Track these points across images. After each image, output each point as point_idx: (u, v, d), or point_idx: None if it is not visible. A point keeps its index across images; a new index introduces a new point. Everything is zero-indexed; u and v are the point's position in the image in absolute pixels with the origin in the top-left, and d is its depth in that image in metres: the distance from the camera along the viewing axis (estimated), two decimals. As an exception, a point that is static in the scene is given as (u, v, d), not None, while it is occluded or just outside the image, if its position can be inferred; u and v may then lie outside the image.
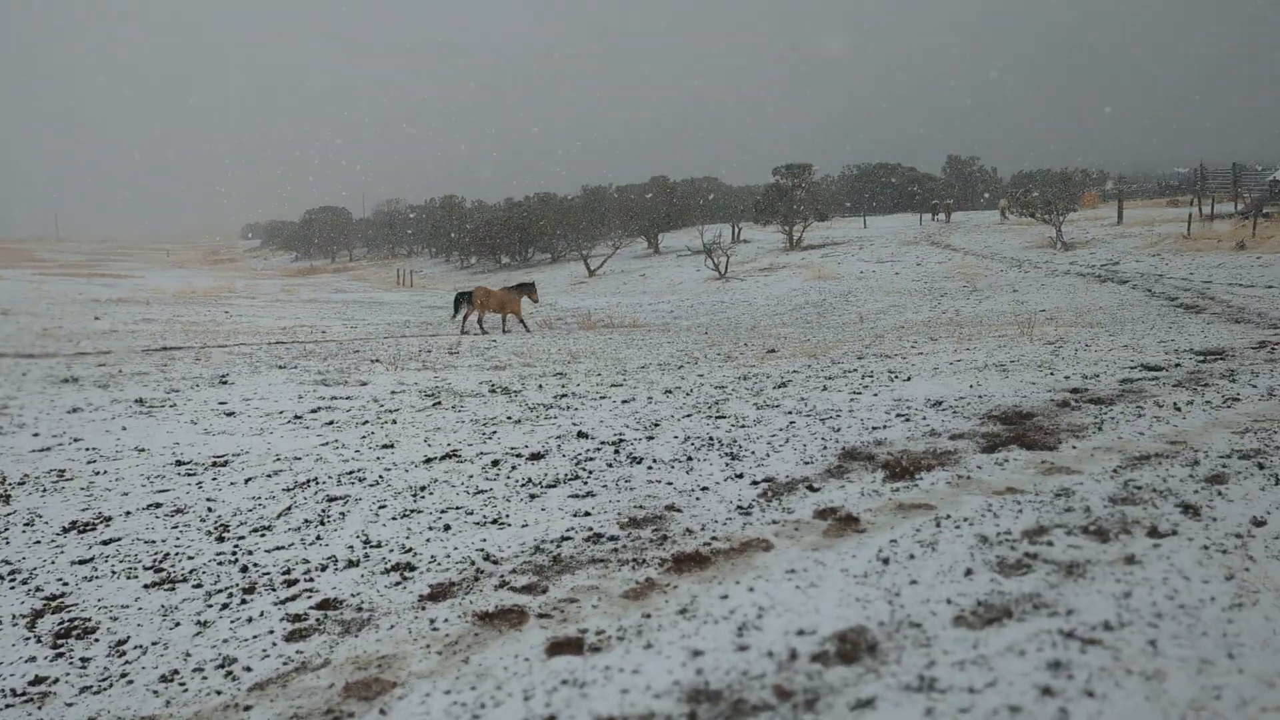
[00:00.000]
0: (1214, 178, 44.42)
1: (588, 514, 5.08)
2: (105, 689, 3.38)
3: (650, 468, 6.03)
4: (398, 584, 4.19)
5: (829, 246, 40.71)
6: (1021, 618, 3.38)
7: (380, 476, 6.11)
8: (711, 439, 6.76)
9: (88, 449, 7.14)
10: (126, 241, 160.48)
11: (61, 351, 13.65)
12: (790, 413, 7.61)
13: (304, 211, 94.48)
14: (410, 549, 4.65)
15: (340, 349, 15.04)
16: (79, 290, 32.92)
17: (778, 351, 13.10)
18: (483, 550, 4.56)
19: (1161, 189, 60.35)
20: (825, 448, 6.26)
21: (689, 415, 7.80)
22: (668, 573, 4.12)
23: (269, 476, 6.23)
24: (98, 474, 6.40)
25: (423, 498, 5.57)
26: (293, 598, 4.11)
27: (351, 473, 6.23)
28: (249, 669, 3.45)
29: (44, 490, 6.03)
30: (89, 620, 3.99)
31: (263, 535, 4.99)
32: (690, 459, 6.20)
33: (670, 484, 5.60)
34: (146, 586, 4.34)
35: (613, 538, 4.65)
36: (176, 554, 4.75)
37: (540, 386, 10.06)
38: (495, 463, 6.36)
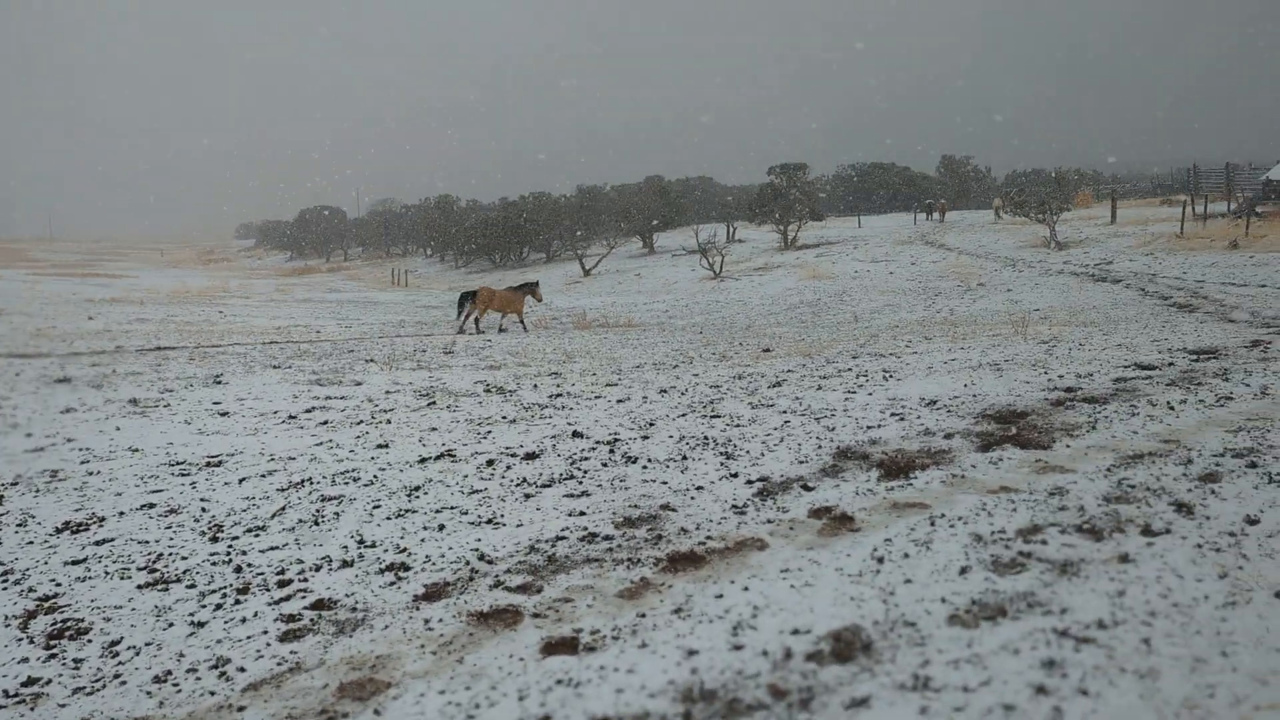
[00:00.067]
0: (1207, 177, 44.55)
1: (583, 513, 5.07)
2: (98, 690, 3.37)
3: (645, 467, 6.02)
4: (392, 584, 4.19)
5: (824, 246, 40.75)
6: (1016, 616, 3.39)
7: (375, 476, 6.10)
8: (706, 438, 6.76)
9: (81, 449, 7.12)
10: (121, 242, 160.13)
11: (55, 351, 13.61)
12: (785, 412, 7.61)
13: (299, 211, 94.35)
14: (405, 549, 4.64)
15: (335, 349, 15.01)
16: (73, 290, 32.83)
17: (772, 351, 13.11)
18: (477, 550, 4.55)
19: (1155, 188, 60.49)
20: (820, 447, 6.26)
21: (684, 415, 7.80)
22: (663, 572, 4.12)
23: (263, 476, 6.21)
24: (91, 474, 6.38)
25: (417, 497, 5.56)
26: (287, 598, 4.10)
27: (346, 473, 6.22)
28: (243, 669, 3.44)
29: (37, 491, 6.01)
30: (82, 621, 3.98)
31: (257, 535, 4.98)
32: (685, 458, 6.20)
33: (665, 483, 5.60)
34: (140, 587, 4.32)
35: (608, 537, 4.64)
36: (170, 554, 4.74)
37: (535, 386, 10.05)
38: (490, 462, 6.35)
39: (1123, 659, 3.02)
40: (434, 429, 7.66)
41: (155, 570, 4.52)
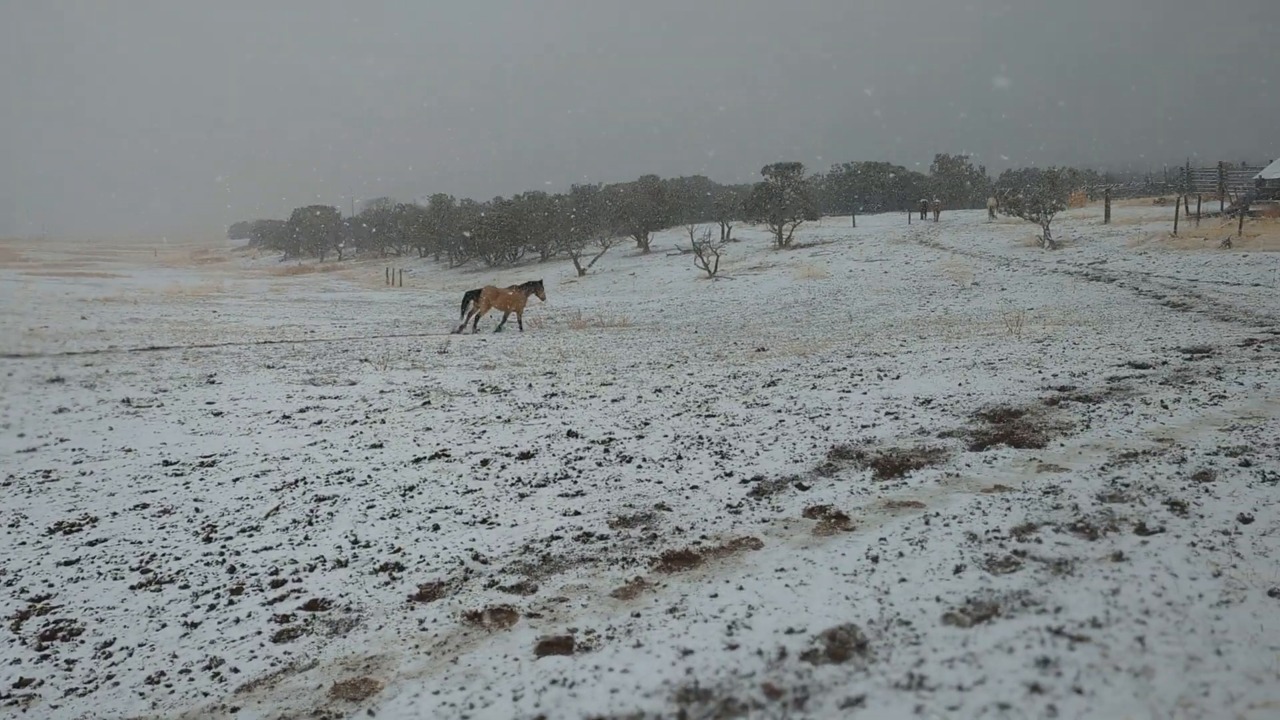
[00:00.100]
0: (1200, 176, 44.67)
1: (577, 513, 5.07)
2: (91, 691, 3.35)
3: (640, 467, 6.02)
4: (386, 584, 4.18)
5: (818, 245, 40.78)
6: (1010, 615, 3.39)
7: (369, 476, 6.08)
8: (701, 438, 6.75)
9: (74, 449, 7.09)
10: (114, 241, 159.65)
11: (48, 351, 13.56)
12: (780, 411, 7.61)
13: (293, 211, 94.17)
14: (399, 549, 4.63)
15: (329, 348, 14.99)
16: (66, 290, 32.73)
17: (767, 350, 13.11)
18: (472, 550, 4.54)
19: (1148, 187, 60.64)
20: (815, 446, 6.26)
21: (679, 414, 7.80)
22: (657, 572, 4.12)
23: (257, 477, 6.20)
24: (84, 474, 6.36)
25: (412, 497, 5.55)
26: (280, 598, 4.08)
27: (340, 472, 6.21)
28: (236, 670, 3.43)
29: (30, 491, 5.98)
30: (75, 622, 3.96)
31: (250, 536, 4.97)
32: (680, 458, 6.19)
33: (660, 483, 5.60)
34: (133, 588, 4.30)
35: (602, 537, 4.64)
36: (163, 555, 4.72)
37: (530, 386, 10.04)
38: (484, 462, 6.34)
39: (1117, 657, 3.02)
40: (428, 429, 7.65)
41: (148, 571, 4.51)
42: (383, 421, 8.04)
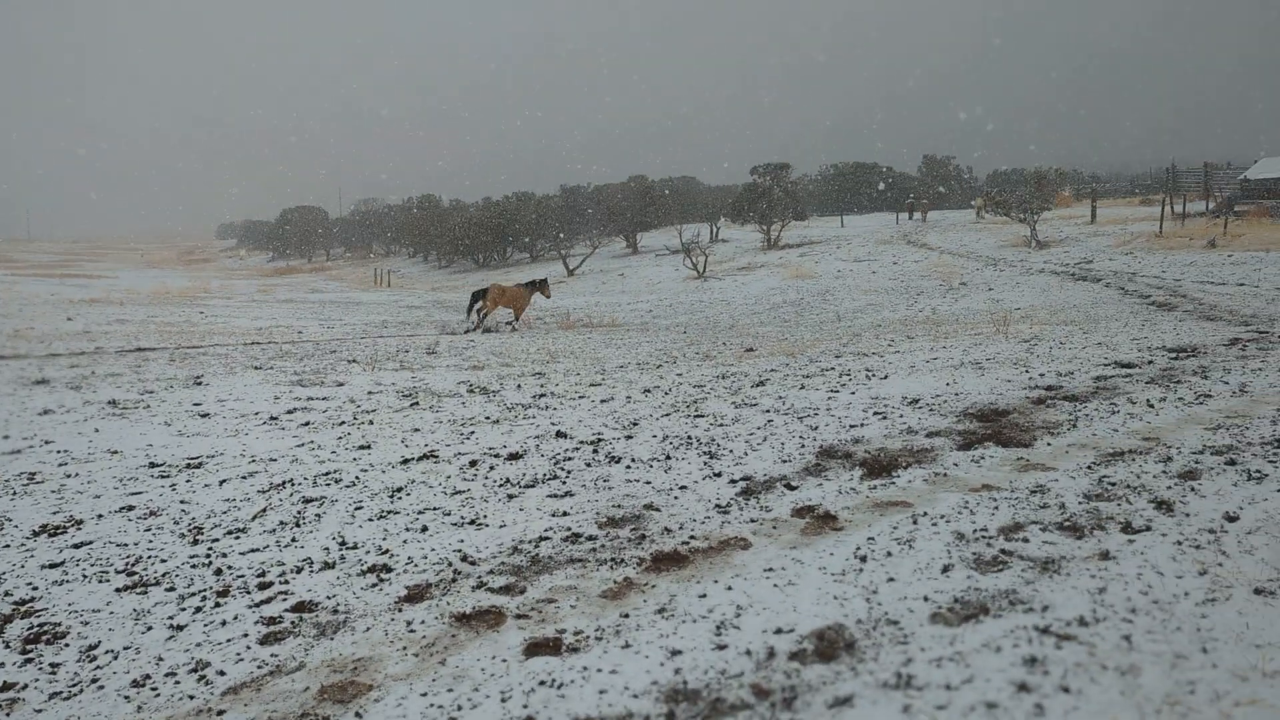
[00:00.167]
0: (1186, 176, 44.94)
1: (566, 514, 5.06)
2: (75, 695, 3.33)
3: (629, 467, 6.02)
4: (374, 585, 4.16)
5: (807, 246, 40.86)
6: (998, 614, 3.40)
7: (357, 478, 6.06)
8: (690, 438, 6.75)
9: (59, 451, 7.04)
10: (99, 242, 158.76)
11: (33, 353, 13.47)
12: (768, 411, 7.62)
13: (280, 211, 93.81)
14: (387, 550, 4.61)
15: (317, 349, 14.93)
16: (51, 291, 32.52)
17: (756, 350, 13.13)
18: (460, 551, 4.53)
19: (1134, 188, 60.99)
20: (803, 446, 6.27)
21: (667, 414, 7.80)
22: (646, 572, 4.11)
23: (244, 478, 6.17)
24: (69, 476, 6.32)
25: (400, 499, 5.53)
26: (267, 600, 4.06)
27: (328, 474, 6.18)
28: (222, 673, 3.41)
29: (14, 493, 5.94)
30: (59, 625, 3.93)
31: (237, 537, 4.94)
32: (669, 458, 6.19)
33: (649, 483, 5.59)
34: (118, 590, 4.28)
35: (591, 537, 4.63)
36: (149, 557, 4.69)
37: (519, 386, 10.02)
38: (473, 463, 6.32)
39: (1104, 656, 3.03)
40: (417, 430, 7.63)
41: (134, 573, 4.48)
42: (370, 423, 8.02)
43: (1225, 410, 6.47)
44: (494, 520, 5.02)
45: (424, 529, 4.92)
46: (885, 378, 9.06)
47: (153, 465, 6.59)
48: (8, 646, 3.74)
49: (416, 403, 9.04)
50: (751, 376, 9.85)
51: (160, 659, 3.55)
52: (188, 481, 6.14)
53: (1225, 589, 3.49)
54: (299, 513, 5.32)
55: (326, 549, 4.68)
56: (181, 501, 5.67)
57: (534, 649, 3.39)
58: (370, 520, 5.12)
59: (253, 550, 4.72)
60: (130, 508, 5.56)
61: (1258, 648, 3.03)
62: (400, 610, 3.86)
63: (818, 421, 7.04)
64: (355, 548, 4.67)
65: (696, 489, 5.40)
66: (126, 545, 4.89)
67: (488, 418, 8.06)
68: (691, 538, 4.52)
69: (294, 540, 4.84)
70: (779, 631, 3.38)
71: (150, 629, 3.84)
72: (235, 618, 3.90)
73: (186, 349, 14.63)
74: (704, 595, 3.77)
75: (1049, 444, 5.87)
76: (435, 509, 5.28)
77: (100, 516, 5.41)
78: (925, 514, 4.60)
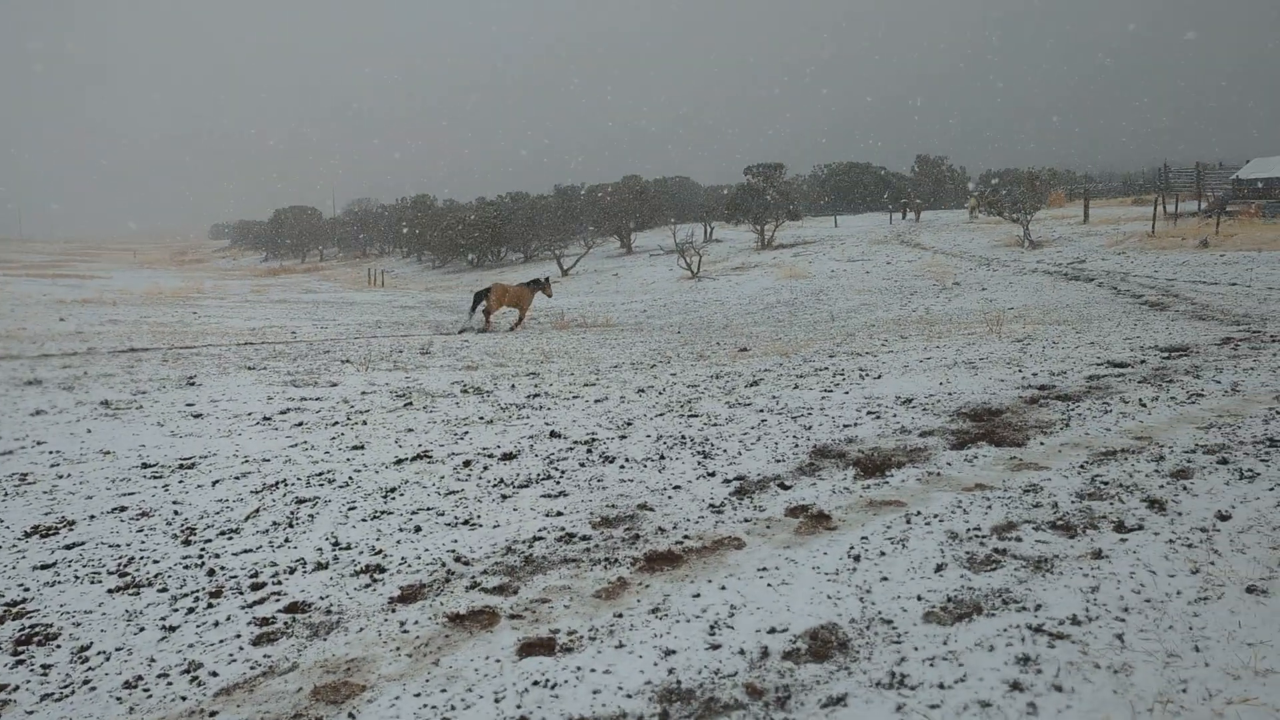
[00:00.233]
0: (1178, 176, 45.08)
1: (560, 514, 5.06)
2: (67, 696, 3.31)
3: (623, 467, 6.01)
4: (367, 586, 4.15)
5: (800, 245, 40.90)
6: (991, 613, 3.40)
7: (350, 478, 6.05)
8: (684, 437, 6.75)
9: (51, 452, 7.02)
10: (91, 242, 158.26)
11: (25, 353, 13.42)
12: (762, 411, 7.62)
13: (274, 211, 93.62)
14: (380, 551, 4.60)
15: (310, 350, 14.90)
16: (43, 291, 32.40)
17: (750, 350, 13.14)
18: (454, 551, 4.53)
19: (1126, 188, 61.18)
20: (797, 445, 6.27)
21: (661, 414, 7.80)
22: (640, 572, 4.11)
23: (237, 479, 6.15)
24: (61, 477, 6.30)
25: (393, 499, 5.52)
26: (260, 601, 4.05)
27: (321, 474, 6.17)
28: (215, 674, 3.40)
29: (5, 494, 5.91)
30: (51, 626, 3.91)
31: (230, 538, 4.93)
32: (663, 458, 6.19)
33: (643, 483, 5.59)
34: (110, 591, 4.26)
35: (585, 537, 4.63)
36: (141, 558, 4.68)
37: (513, 386, 10.01)
38: (467, 463, 6.32)
39: (1096, 654, 3.04)
40: (410, 430, 7.61)
41: (126, 574, 4.46)
42: (364, 423, 8.00)
43: (1217, 409, 6.49)
44: (488, 520, 5.01)
45: (417, 529, 4.91)
46: (879, 377, 9.07)
47: (145, 466, 6.57)
48: (-1, 648, 3.73)
49: (410, 403, 9.03)
50: (745, 376, 9.85)
51: (152, 660, 3.54)
52: (180, 482, 6.12)
53: (1217, 588, 3.50)
54: (292, 513, 5.31)
55: (320, 549, 4.67)
56: (174, 502, 5.65)
57: (528, 649, 3.39)
58: (364, 520, 5.11)
59: (246, 551, 4.71)
60: (123, 508, 5.54)
61: (1250, 646, 3.04)
62: (394, 610, 3.86)
63: (811, 421, 7.04)
64: (348, 548, 4.67)
65: (690, 489, 5.40)
66: (119, 546, 4.87)
67: (482, 418, 8.06)
68: (685, 537, 4.52)
69: (287, 541, 4.83)
70: (773, 631, 3.38)
71: (142, 630, 3.82)
72: (228, 618, 3.89)
73: (179, 349, 14.59)
74: (698, 595, 3.77)
75: (1042, 443, 5.88)
76: (429, 509, 5.27)
77: (92, 517, 5.39)
78: (919, 513, 4.61)
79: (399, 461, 6.45)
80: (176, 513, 5.43)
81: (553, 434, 7.15)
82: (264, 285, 48.56)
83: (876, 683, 2.96)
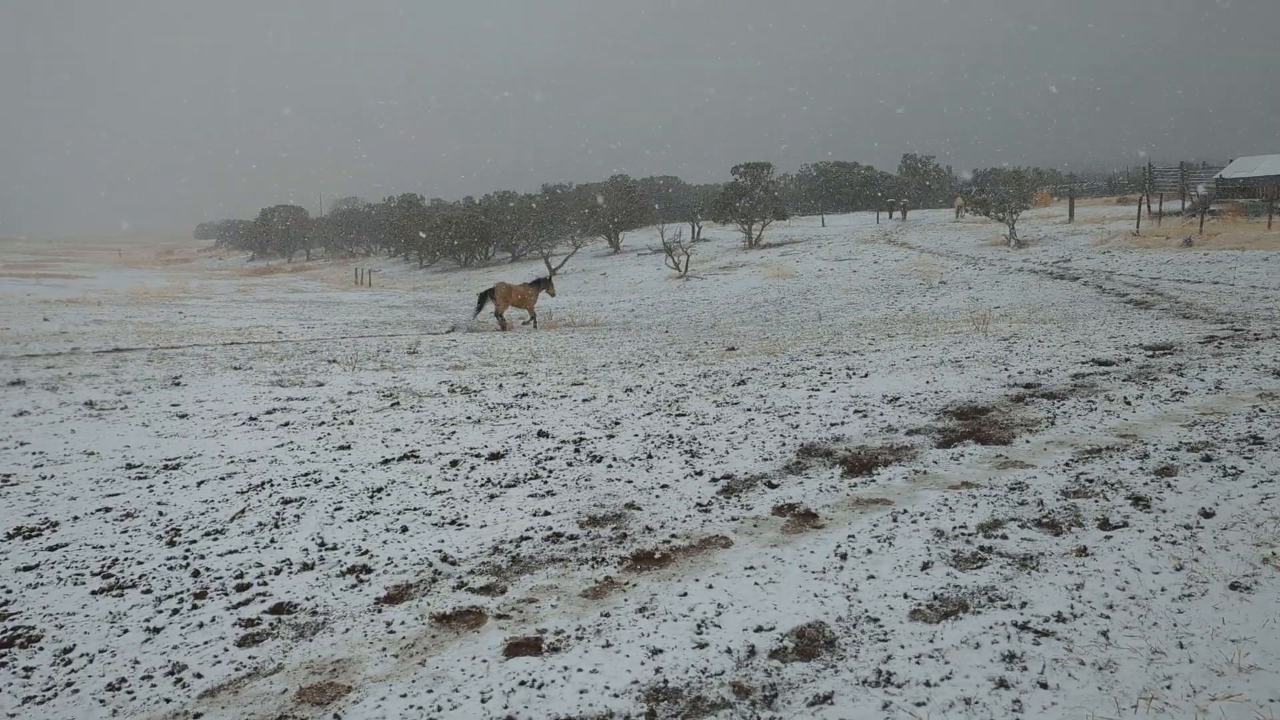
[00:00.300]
0: (1162, 175, 45.35)
1: (547, 513, 5.05)
2: (49, 699, 3.29)
3: (610, 466, 6.01)
4: (354, 586, 4.13)
5: (788, 245, 40.97)
6: (977, 611, 3.41)
7: (336, 478, 6.02)
8: (671, 437, 6.75)
9: (35, 453, 6.96)
10: (76, 241, 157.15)
11: (9, 354, 13.32)
12: (749, 410, 7.63)
13: (260, 210, 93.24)
14: (367, 551, 4.58)
15: (297, 349, 14.84)
16: (27, 291, 32.17)
17: (737, 349, 13.15)
18: (441, 551, 4.51)
19: (1111, 187, 61.52)
20: (784, 444, 6.28)
21: (649, 413, 7.80)
22: (627, 571, 4.11)
23: (222, 479, 6.12)
24: (45, 478, 6.25)
25: (380, 499, 5.50)
26: (245, 602, 4.03)
27: (307, 474, 6.14)
28: (200, 676, 3.37)
29: (-12, 496, 5.86)
30: (33, 628, 3.88)
31: (215, 539, 4.90)
32: (650, 457, 6.19)
33: (630, 482, 5.59)
34: (94, 593, 4.23)
35: (572, 537, 4.62)
36: (126, 559, 4.65)
37: (500, 386, 9.99)
38: (454, 463, 6.30)
39: (1081, 651, 3.05)
40: (397, 430, 7.59)
41: (110, 575, 4.43)
42: (351, 423, 7.97)
43: (1201, 407, 6.53)
44: (475, 520, 5.00)
45: (404, 529, 4.89)
46: (865, 376, 9.09)
47: (130, 466, 6.52)
48: (-19, 651, 3.69)
49: (397, 403, 9.00)
50: (733, 375, 9.86)
51: (136, 662, 3.52)
52: (165, 483, 6.08)
53: (1201, 584, 3.52)
54: (278, 514, 5.28)
55: (306, 550, 4.65)
56: (159, 503, 5.62)
57: (514, 649, 3.38)
58: (350, 521, 5.09)
59: (231, 552, 4.68)
60: (107, 509, 5.51)
61: (1233, 642, 3.06)
62: (380, 611, 3.84)
63: (799, 420, 7.05)
64: (335, 549, 4.64)
65: (678, 488, 5.40)
66: (103, 547, 4.84)
67: (469, 417, 8.04)
68: (673, 536, 4.51)
69: (273, 541, 4.81)
70: (760, 630, 3.38)
71: (126, 632, 3.80)
72: (213, 620, 3.86)
73: (165, 349, 14.50)
74: (685, 594, 3.77)
75: (1028, 441, 5.91)
76: (416, 509, 5.26)
77: (76, 518, 5.35)
78: (905, 511, 4.62)
79: (386, 461, 6.42)
80: (161, 513, 5.39)
81: (540, 433, 7.14)
82: (250, 285, 48.33)
83: (863, 681, 2.96)
